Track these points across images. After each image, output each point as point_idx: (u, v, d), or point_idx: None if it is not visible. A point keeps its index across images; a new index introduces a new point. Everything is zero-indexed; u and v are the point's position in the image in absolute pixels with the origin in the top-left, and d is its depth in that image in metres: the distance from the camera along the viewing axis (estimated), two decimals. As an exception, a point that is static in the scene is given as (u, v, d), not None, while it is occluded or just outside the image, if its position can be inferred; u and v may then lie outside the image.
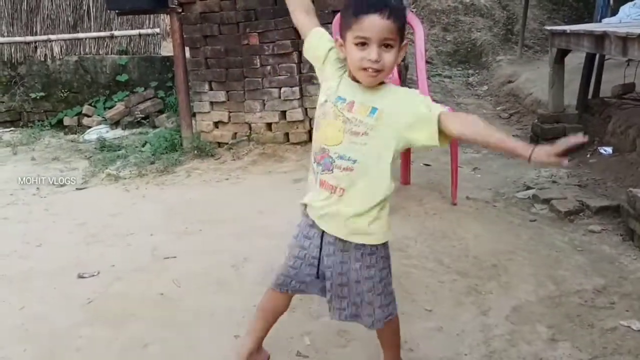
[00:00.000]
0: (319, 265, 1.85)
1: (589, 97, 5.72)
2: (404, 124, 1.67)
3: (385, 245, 1.85)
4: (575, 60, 5.83)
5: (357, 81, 1.70)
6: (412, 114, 1.66)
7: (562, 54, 5.31)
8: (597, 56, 5.50)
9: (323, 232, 1.81)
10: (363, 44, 1.60)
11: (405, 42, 1.66)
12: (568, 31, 5.09)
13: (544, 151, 1.44)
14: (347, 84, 1.72)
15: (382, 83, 1.71)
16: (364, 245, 1.79)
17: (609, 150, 4.79)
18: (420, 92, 1.77)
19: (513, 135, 5.76)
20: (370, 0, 1.60)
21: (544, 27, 8.65)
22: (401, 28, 1.63)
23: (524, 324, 2.42)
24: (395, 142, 1.69)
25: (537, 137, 5.34)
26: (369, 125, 1.67)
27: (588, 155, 4.87)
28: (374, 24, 1.58)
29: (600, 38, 4.39)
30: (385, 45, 1.61)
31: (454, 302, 2.61)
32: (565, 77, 5.39)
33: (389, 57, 1.62)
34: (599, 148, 4.90)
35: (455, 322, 2.46)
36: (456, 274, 2.86)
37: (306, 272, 1.87)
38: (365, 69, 1.62)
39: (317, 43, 1.82)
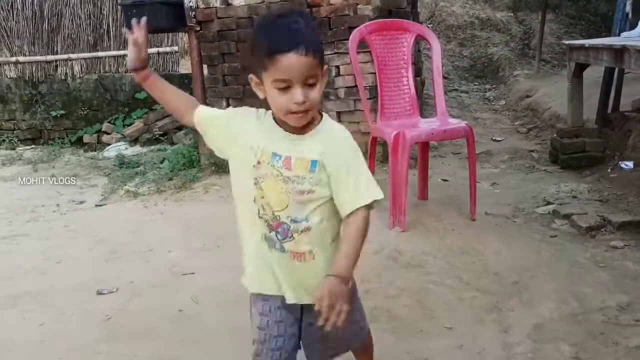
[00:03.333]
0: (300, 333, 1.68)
1: (609, 111, 5.65)
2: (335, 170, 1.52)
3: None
4: (594, 74, 5.78)
5: (282, 121, 1.53)
6: (343, 169, 1.51)
7: (581, 68, 5.26)
8: (617, 70, 5.45)
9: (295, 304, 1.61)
10: (285, 87, 1.43)
11: (325, 67, 1.49)
12: (586, 45, 5.04)
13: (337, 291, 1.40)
14: (274, 131, 1.55)
15: (311, 121, 1.53)
16: None
17: (630, 164, 4.73)
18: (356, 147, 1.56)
19: (530, 151, 5.79)
20: (283, 36, 1.41)
21: (561, 41, 8.60)
22: (321, 58, 1.45)
23: (546, 342, 2.38)
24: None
25: (557, 152, 5.29)
26: (312, 182, 1.50)
27: (609, 170, 4.81)
28: (293, 63, 1.39)
29: (620, 52, 4.35)
30: (309, 84, 1.44)
31: (475, 320, 2.58)
32: (584, 91, 5.34)
33: (314, 94, 1.45)
34: (619, 163, 4.84)
35: (475, 340, 2.42)
36: (476, 290, 2.83)
37: (290, 346, 1.67)
38: (292, 112, 1.46)
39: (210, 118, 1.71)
